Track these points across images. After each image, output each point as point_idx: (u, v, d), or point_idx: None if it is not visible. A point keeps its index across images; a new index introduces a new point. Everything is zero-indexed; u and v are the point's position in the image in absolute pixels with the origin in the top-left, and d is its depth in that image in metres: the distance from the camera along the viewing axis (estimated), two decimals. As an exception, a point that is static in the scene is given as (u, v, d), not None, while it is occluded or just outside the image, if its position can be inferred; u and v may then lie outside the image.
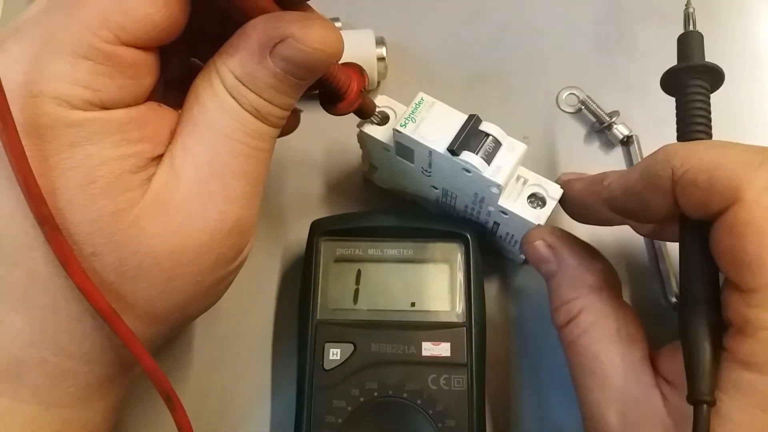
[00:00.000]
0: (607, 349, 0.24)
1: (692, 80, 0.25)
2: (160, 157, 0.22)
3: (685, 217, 0.23)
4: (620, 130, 0.35)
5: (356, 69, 0.26)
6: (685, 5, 0.28)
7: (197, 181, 0.21)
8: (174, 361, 0.31)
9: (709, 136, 0.24)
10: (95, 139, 0.20)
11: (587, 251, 0.27)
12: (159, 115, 0.22)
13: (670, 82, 0.26)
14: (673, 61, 0.37)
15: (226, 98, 0.22)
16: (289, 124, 0.27)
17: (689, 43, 0.26)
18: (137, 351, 0.21)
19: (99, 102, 0.20)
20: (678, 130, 0.25)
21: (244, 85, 0.22)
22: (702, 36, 0.26)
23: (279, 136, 0.25)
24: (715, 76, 0.25)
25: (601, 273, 0.26)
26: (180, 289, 0.22)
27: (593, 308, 0.25)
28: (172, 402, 0.22)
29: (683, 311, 0.22)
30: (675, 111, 0.26)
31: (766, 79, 0.37)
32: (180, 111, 0.23)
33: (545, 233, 0.27)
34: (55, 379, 0.21)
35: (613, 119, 0.35)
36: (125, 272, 0.21)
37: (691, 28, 0.27)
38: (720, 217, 0.20)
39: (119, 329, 0.20)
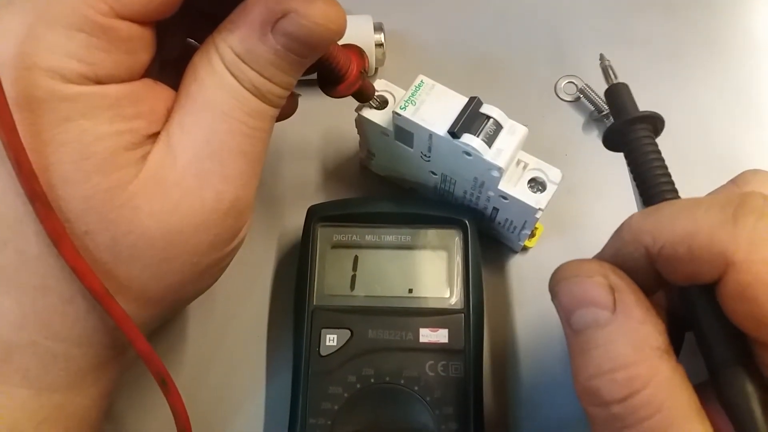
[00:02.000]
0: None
1: (637, 133, 0.23)
2: (156, 134, 0.21)
3: (683, 287, 0.20)
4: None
5: (356, 50, 0.26)
6: (600, 60, 0.27)
7: (194, 160, 0.21)
8: (169, 347, 0.30)
9: (676, 192, 0.22)
10: (90, 114, 0.19)
11: (647, 301, 0.20)
12: (155, 92, 0.22)
13: (613, 138, 0.24)
14: (673, 51, 0.38)
15: (225, 75, 0.21)
16: (287, 108, 0.27)
17: (620, 95, 0.24)
18: (131, 333, 0.20)
19: (94, 76, 0.19)
20: (641, 192, 0.23)
21: (243, 62, 0.21)
22: (628, 86, 0.25)
23: (277, 120, 0.24)
24: (656, 123, 0.24)
25: (665, 331, 0.19)
26: (175, 270, 0.22)
27: (665, 378, 0.18)
28: (167, 385, 0.21)
29: (721, 378, 0.19)
30: (628, 167, 0.24)
31: (763, 72, 0.37)
32: (177, 90, 0.22)
33: (607, 269, 0.20)
34: (45, 362, 0.20)
35: (612, 108, 0.34)
36: (119, 252, 0.20)
37: (613, 80, 0.26)
38: (721, 286, 0.18)
39: (113, 310, 0.20)
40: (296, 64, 0.22)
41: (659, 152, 0.23)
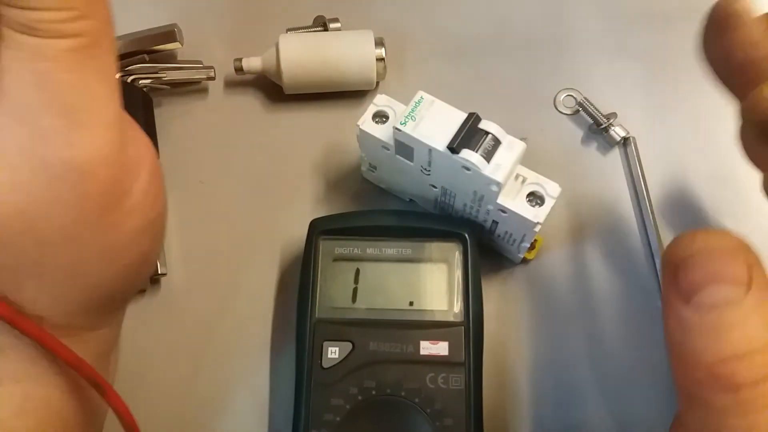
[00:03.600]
0: None
1: None
2: None
3: None
4: (618, 131, 0.35)
5: None
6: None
7: (13, 137, 0.19)
8: (171, 358, 0.31)
9: None
10: None
11: None
12: None
13: None
14: (672, 63, 0.38)
15: (5, 32, 0.18)
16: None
17: None
18: (50, 346, 0.20)
19: None
20: None
21: (2, 3, 0.18)
22: None
23: None
24: None
25: None
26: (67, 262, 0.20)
27: None
28: (101, 388, 0.21)
29: None
30: None
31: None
32: None
33: (744, 243, 0.18)
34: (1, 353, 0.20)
35: (611, 121, 0.35)
36: None
37: None
38: None
39: (26, 329, 0.19)
40: None
41: None
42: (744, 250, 0.17)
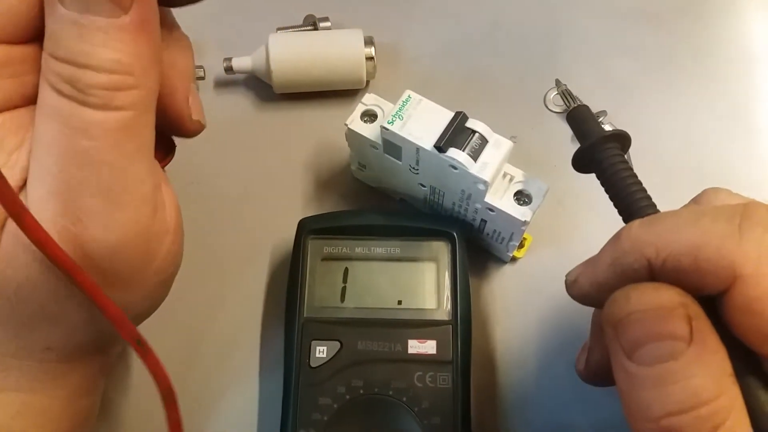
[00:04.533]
0: None
1: (606, 152, 0.23)
2: None
3: None
4: (607, 129, 0.35)
5: None
6: (556, 85, 0.27)
7: (42, 212, 0.18)
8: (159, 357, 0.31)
9: (655, 207, 0.22)
10: None
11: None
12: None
13: (582, 160, 0.24)
14: (664, 62, 0.38)
15: (48, 94, 0.17)
16: (183, 122, 0.22)
17: (582, 117, 0.24)
18: (100, 300, 0.19)
19: None
20: (620, 210, 0.23)
21: (52, 56, 0.17)
22: (588, 107, 0.25)
23: (180, 135, 0.22)
24: (623, 141, 0.24)
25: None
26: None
27: (740, 406, 0.17)
28: (142, 346, 0.21)
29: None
30: (602, 186, 0.24)
31: (754, 82, 0.37)
32: None
33: (685, 297, 0.18)
34: (2, 369, 0.21)
35: (601, 119, 0.35)
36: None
37: (574, 103, 0.25)
38: (727, 299, 0.18)
39: (81, 280, 0.19)
40: (106, 27, 0.17)
41: (631, 169, 0.23)
42: (684, 304, 0.17)
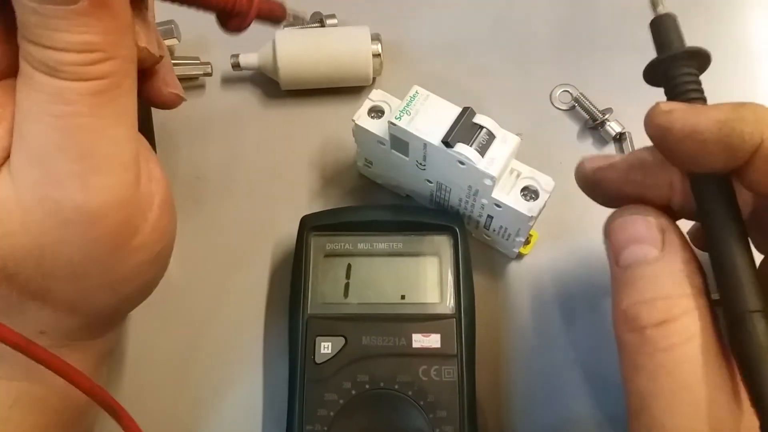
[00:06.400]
0: (710, 370, 0.18)
1: (680, 69, 0.22)
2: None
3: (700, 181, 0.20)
4: (613, 126, 0.35)
5: None
6: None
7: (26, 175, 0.19)
8: (164, 353, 0.31)
9: None
10: None
11: (692, 247, 0.21)
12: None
13: (655, 74, 0.23)
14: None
15: (25, 66, 0.18)
16: (157, 93, 0.23)
17: (665, 27, 0.23)
18: (72, 377, 0.20)
19: None
20: None
21: (25, 39, 0.18)
22: (675, 17, 0.23)
23: (159, 107, 0.23)
24: (701, 60, 0.23)
25: (705, 279, 0.20)
26: (80, 288, 0.21)
27: (702, 314, 0.19)
28: (117, 413, 0.21)
29: (739, 324, 0.18)
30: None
31: (757, 78, 0.37)
32: None
33: (653, 212, 0.21)
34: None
35: (606, 116, 0.35)
36: None
37: (661, 11, 0.24)
38: (754, 159, 0.18)
39: (51, 363, 0.20)
40: (65, 14, 0.17)
41: (702, 91, 0.22)
42: (657, 215, 0.20)
